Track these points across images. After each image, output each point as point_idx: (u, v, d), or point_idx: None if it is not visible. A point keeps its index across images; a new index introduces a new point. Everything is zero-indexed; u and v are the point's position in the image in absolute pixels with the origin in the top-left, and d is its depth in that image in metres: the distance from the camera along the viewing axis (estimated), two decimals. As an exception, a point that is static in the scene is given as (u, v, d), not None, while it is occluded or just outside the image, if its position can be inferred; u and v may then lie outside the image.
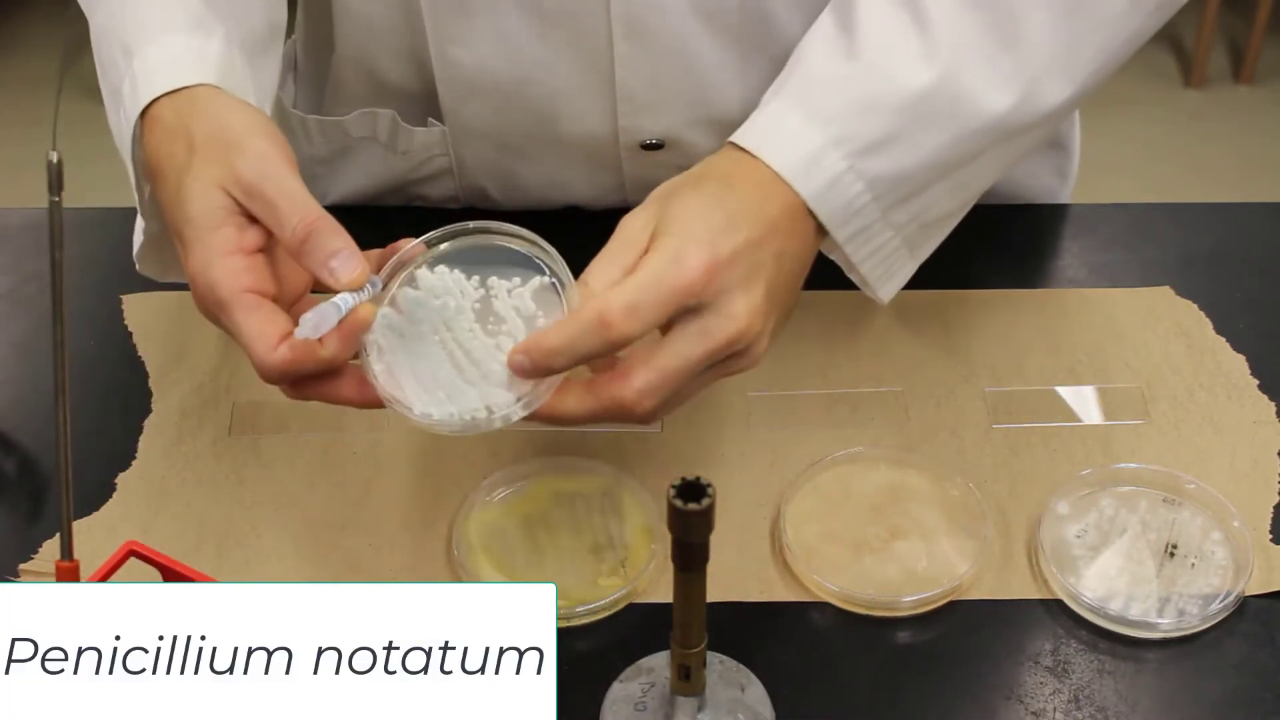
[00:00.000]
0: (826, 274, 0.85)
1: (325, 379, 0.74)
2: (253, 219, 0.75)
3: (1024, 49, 0.81)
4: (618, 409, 0.73)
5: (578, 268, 0.74)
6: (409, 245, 0.76)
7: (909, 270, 0.87)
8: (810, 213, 0.79)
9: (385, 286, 0.75)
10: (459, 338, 0.74)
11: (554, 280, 0.75)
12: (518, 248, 0.76)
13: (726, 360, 0.75)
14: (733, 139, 0.81)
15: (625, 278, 0.73)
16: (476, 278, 0.75)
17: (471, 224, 0.77)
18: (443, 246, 0.76)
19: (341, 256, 0.72)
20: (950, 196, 0.85)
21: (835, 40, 0.83)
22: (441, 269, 0.75)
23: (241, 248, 0.74)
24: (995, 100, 0.81)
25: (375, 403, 0.74)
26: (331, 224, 0.73)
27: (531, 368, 0.72)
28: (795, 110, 0.80)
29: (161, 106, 0.79)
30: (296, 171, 0.76)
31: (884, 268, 0.85)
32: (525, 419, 0.73)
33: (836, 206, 0.80)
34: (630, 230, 0.75)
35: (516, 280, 0.75)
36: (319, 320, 0.72)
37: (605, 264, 0.74)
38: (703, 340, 0.73)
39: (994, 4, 0.81)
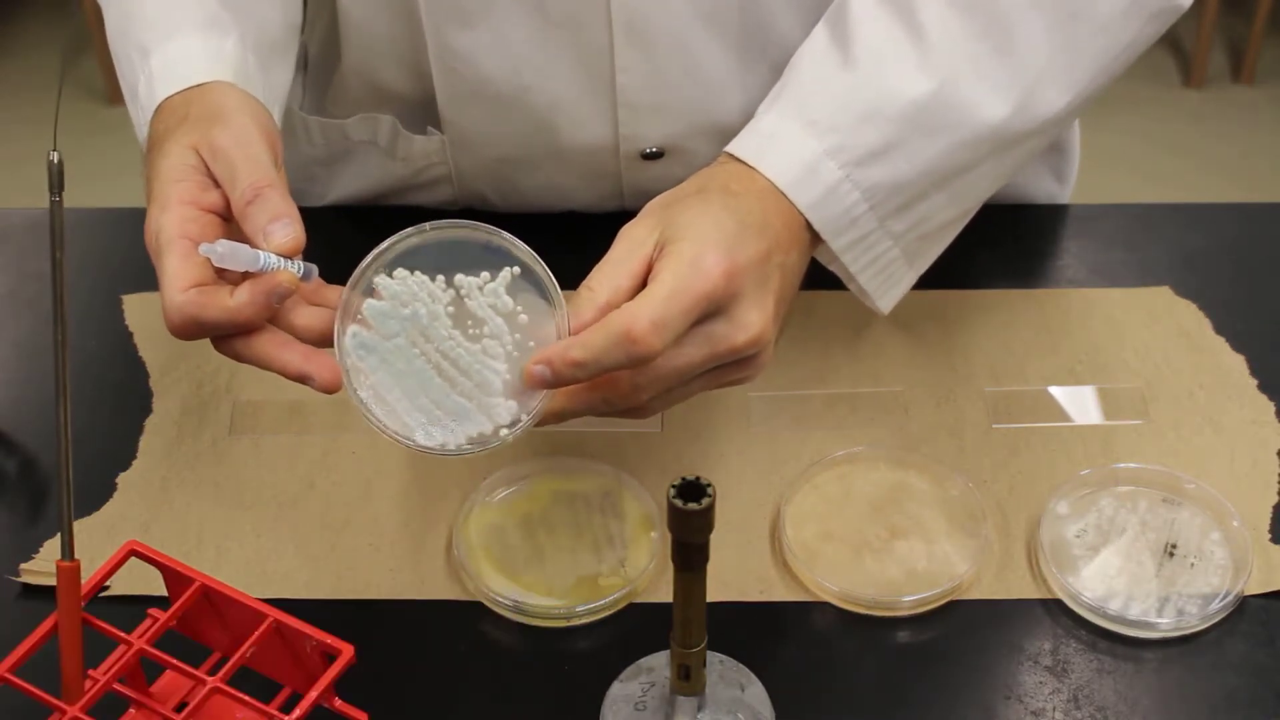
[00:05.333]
0: (826, 274, 0.86)
1: (246, 336, 0.72)
2: (218, 184, 0.74)
3: (1020, 56, 0.81)
4: (615, 399, 0.73)
5: (576, 271, 0.74)
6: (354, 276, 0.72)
7: (909, 281, 0.87)
8: (807, 224, 0.79)
9: (345, 304, 0.71)
10: (441, 347, 0.71)
11: (522, 268, 0.72)
12: (474, 237, 0.72)
13: (731, 366, 0.75)
14: (729, 149, 0.81)
15: (650, 286, 0.71)
16: (441, 278, 0.71)
17: (428, 224, 0.72)
18: (396, 248, 0.71)
19: (282, 221, 0.72)
20: (949, 206, 0.84)
21: (830, 51, 0.83)
22: (401, 272, 0.71)
23: (197, 202, 0.73)
24: (992, 108, 0.81)
25: (299, 373, 0.71)
26: (283, 193, 0.73)
27: (553, 380, 0.70)
28: (791, 121, 0.80)
29: (172, 99, 0.79)
30: (273, 153, 0.76)
31: (882, 278, 0.85)
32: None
33: (833, 215, 0.80)
34: (634, 237, 0.74)
35: (485, 275, 0.72)
36: (230, 252, 0.69)
37: (611, 270, 0.73)
38: (709, 344, 0.73)
39: (989, 11, 0.81)
